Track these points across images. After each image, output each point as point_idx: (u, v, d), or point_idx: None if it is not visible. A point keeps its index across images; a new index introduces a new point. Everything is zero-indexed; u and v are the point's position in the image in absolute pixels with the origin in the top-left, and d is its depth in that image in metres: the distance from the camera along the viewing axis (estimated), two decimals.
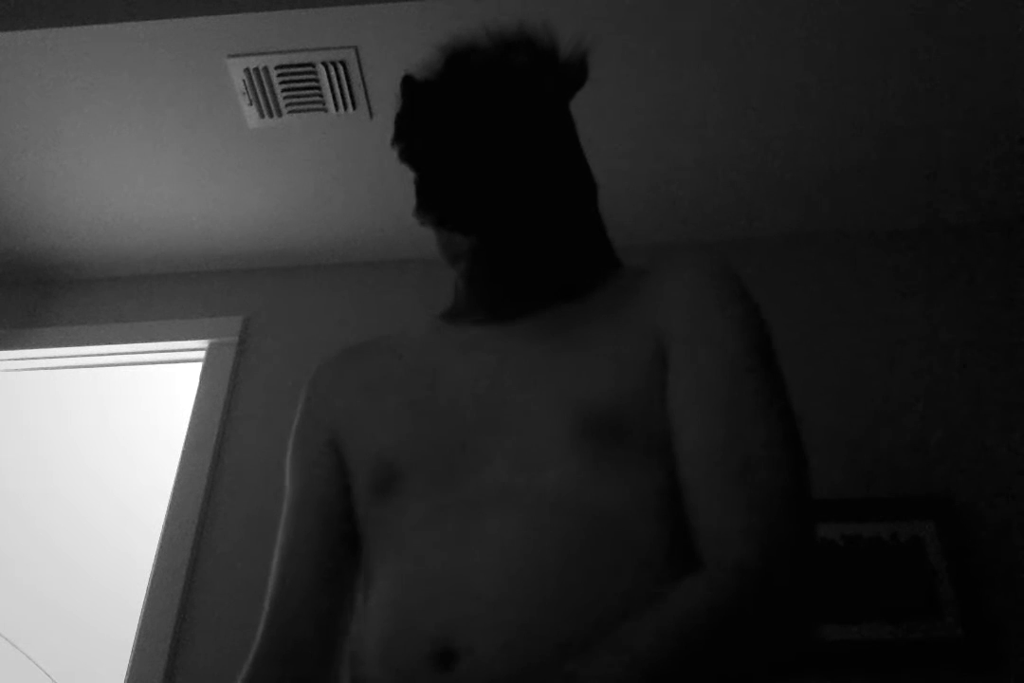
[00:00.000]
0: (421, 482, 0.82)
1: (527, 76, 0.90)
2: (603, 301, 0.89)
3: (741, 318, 0.82)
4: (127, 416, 3.15)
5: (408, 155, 0.90)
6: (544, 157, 0.89)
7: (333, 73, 1.93)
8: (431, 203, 0.88)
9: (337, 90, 1.97)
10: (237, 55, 1.91)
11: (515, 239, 0.88)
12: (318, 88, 1.97)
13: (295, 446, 0.98)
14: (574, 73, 0.94)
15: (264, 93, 1.98)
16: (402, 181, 2.22)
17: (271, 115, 2.03)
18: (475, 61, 0.91)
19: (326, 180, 2.21)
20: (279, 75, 1.94)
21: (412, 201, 2.28)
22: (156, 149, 2.13)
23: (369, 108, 2.02)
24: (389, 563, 0.80)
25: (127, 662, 2.90)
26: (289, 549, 0.92)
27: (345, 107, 2.00)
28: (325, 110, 2.01)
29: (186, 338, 2.31)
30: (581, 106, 2.04)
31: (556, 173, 0.90)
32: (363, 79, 1.96)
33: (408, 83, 0.92)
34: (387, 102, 2.02)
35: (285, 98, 1.99)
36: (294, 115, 2.03)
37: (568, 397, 0.80)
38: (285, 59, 1.91)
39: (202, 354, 2.34)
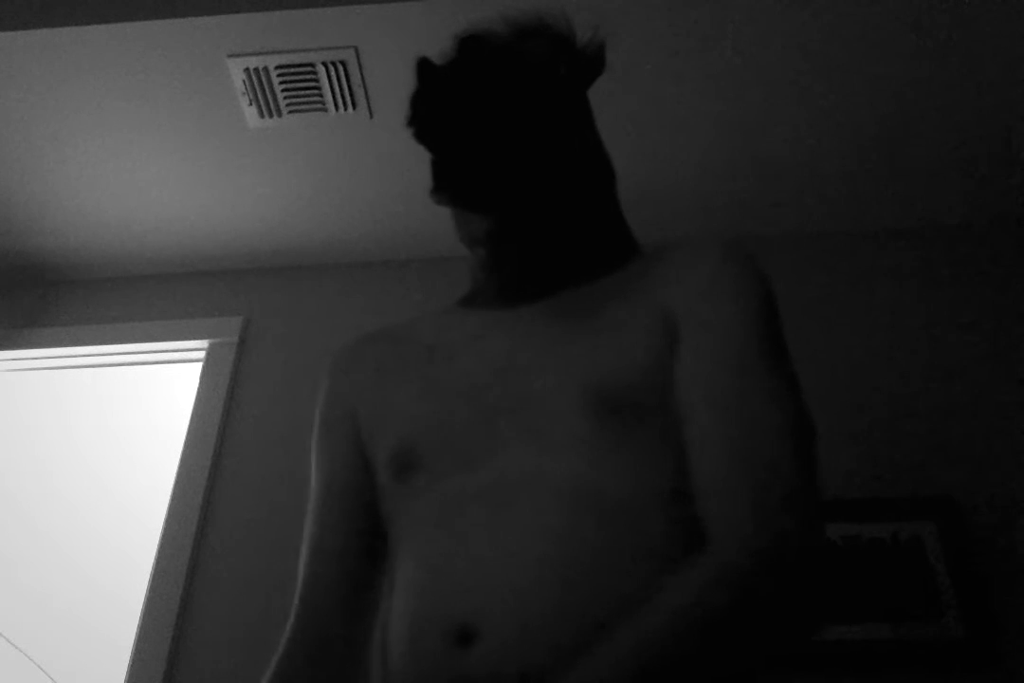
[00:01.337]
0: (440, 467, 0.83)
1: (543, 58, 0.90)
2: (618, 283, 0.90)
3: (752, 302, 0.82)
4: (127, 416, 3.15)
5: (423, 135, 0.90)
6: (559, 138, 0.89)
7: (333, 73, 1.93)
8: (446, 181, 0.88)
9: (337, 90, 1.97)
10: (237, 55, 1.91)
11: (531, 220, 0.88)
12: (318, 88, 1.97)
13: (319, 437, 0.99)
14: (591, 59, 0.93)
15: (264, 93, 1.98)
16: (402, 181, 2.22)
17: (271, 115, 2.03)
18: (491, 43, 0.91)
19: (326, 180, 2.21)
20: (279, 75, 1.94)
21: (412, 201, 2.28)
22: (156, 149, 2.13)
23: (369, 108, 2.02)
24: (411, 550, 0.81)
25: (127, 662, 2.90)
26: (317, 544, 0.92)
27: (345, 107, 2.00)
28: (325, 110, 2.01)
29: (186, 338, 2.31)
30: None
31: (571, 154, 0.90)
32: (363, 79, 1.96)
33: (424, 64, 0.92)
34: (387, 102, 2.02)
35: (285, 98, 1.99)
36: (294, 115, 2.03)
37: (583, 380, 0.80)
38: (285, 59, 1.91)
39: (202, 354, 2.34)
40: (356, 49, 1.90)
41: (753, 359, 0.78)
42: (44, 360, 2.37)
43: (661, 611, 0.65)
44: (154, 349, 2.34)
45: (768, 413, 0.75)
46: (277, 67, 1.93)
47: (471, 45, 0.91)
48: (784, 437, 0.74)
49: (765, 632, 0.66)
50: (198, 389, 2.22)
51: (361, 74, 1.95)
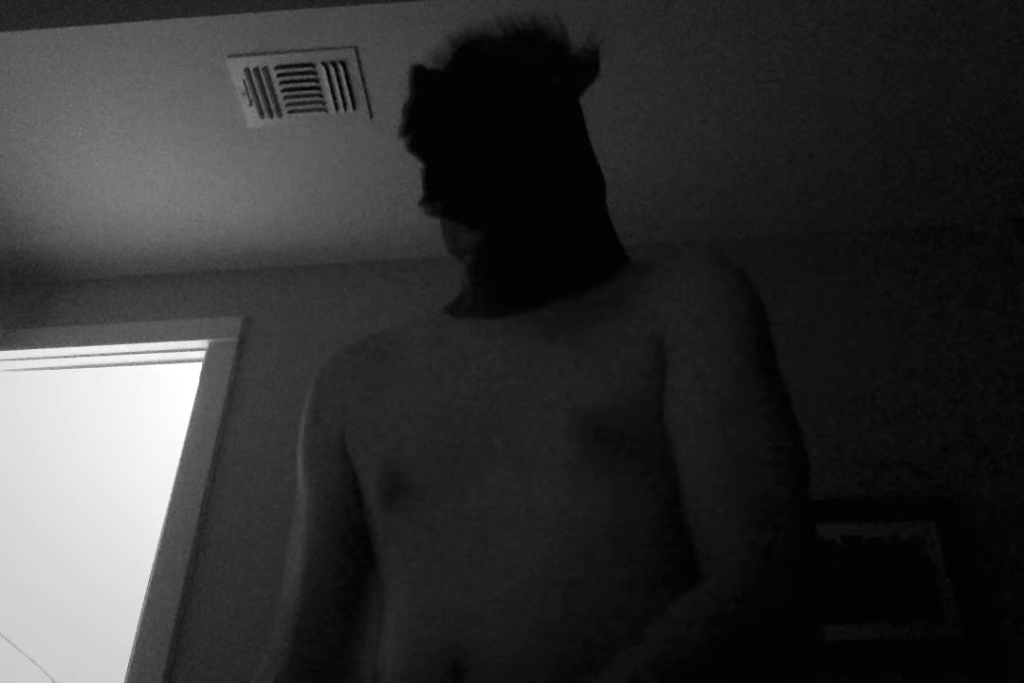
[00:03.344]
0: (427, 489, 0.82)
1: (537, 68, 0.89)
2: (608, 298, 0.88)
3: (744, 321, 0.80)
4: (127, 416, 3.15)
5: (416, 145, 0.90)
6: (552, 150, 0.88)
7: (333, 73, 1.93)
8: (438, 193, 0.87)
9: (337, 90, 1.97)
10: (237, 55, 1.91)
11: (521, 233, 0.87)
12: (318, 88, 1.97)
13: (305, 454, 0.97)
14: (585, 67, 0.92)
15: (264, 93, 1.98)
16: (402, 181, 2.22)
17: (271, 115, 2.03)
18: (485, 52, 0.90)
19: (326, 180, 2.21)
20: (279, 75, 1.94)
21: (412, 201, 2.28)
22: (156, 149, 2.13)
23: (369, 108, 2.02)
24: (399, 577, 0.80)
25: (127, 662, 2.90)
26: (307, 566, 0.91)
27: (345, 107, 2.00)
28: (325, 110, 2.01)
29: (186, 338, 2.31)
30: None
31: (564, 167, 0.89)
32: (363, 79, 1.96)
33: (418, 73, 0.91)
34: (387, 102, 2.02)
35: (285, 98, 1.99)
36: (294, 115, 2.03)
37: (571, 404, 0.79)
38: (285, 59, 1.91)
39: (202, 354, 2.34)
40: (356, 49, 1.90)
41: (743, 379, 0.77)
42: (44, 360, 2.37)
43: (661, 641, 0.64)
44: (154, 349, 2.34)
45: (758, 434, 0.74)
46: (277, 67, 1.93)
47: (465, 54, 0.91)
48: (775, 458, 0.72)
49: (764, 652, 0.65)
50: (198, 389, 2.22)
51: (361, 74, 1.95)
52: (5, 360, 2.37)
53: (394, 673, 0.75)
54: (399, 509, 0.83)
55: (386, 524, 0.85)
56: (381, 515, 0.86)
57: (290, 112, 2.02)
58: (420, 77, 0.91)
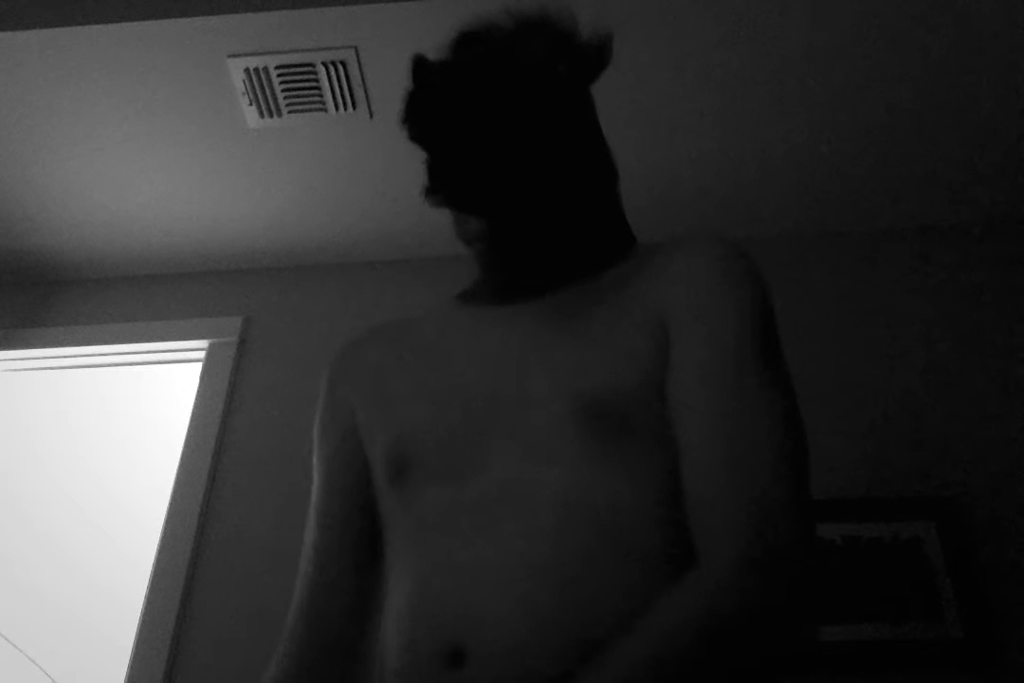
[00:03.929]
0: (432, 473, 0.82)
1: (541, 56, 0.89)
2: (614, 284, 0.88)
3: (746, 313, 0.80)
4: (127, 416, 3.15)
5: (418, 135, 0.90)
6: (555, 138, 0.88)
7: (333, 73, 1.93)
8: (440, 183, 0.87)
9: (337, 90, 1.97)
10: (237, 55, 1.91)
11: (524, 220, 0.87)
12: (318, 88, 1.97)
13: (319, 439, 0.98)
14: (594, 55, 0.91)
15: (264, 93, 1.98)
16: (402, 181, 2.22)
17: (271, 115, 2.03)
18: (486, 41, 0.90)
19: (326, 180, 2.21)
20: (279, 75, 1.94)
21: (412, 201, 2.28)
22: (156, 149, 2.13)
23: (369, 108, 2.02)
24: (402, 562, 0.81)
25: (127, 662, 2.90)
26: (318, 551, 0.92)
27: (345, 107, 2.00)
28: (325, 110, 2.01)
29: (186, 338, 2.31)
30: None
31: (567, 154, 0.88)
32: (363, 79, 1.96)
33: (419, 63, 0.91)
34: (387, 102, 2.02)
35: (285, 98, 1.99)
36: (294, 115, 2.03)
37: (573, 389, 0.79)
38: (285, 59, 1.91)
39: (202, 354, 2.34)
40: (356, 49, 1.90)
41: (745, 365, 0.76)
42: (44, 360, 2.37)
43: (656, 637, 0.64)
44: (154, 349, 2.34)
45: (759, 423, 0.73)
46: (277, 67, 1.93)
47: (467, 44, 0.90)
48: (775, 457, 0.72)
49: (758, 648, 0.65)
50: (198, 389, 2.22)
51: (361, 74, 1.95)
52: (5, 360, 2.37)
53: (394, 668, 0.76)
54: (403, 491, 0.83)
55: (391, 505, 0.85)
56: (387, 496, 0.86)
57: (290, 112, 2.02)
58: (420, 66, 0.90)
